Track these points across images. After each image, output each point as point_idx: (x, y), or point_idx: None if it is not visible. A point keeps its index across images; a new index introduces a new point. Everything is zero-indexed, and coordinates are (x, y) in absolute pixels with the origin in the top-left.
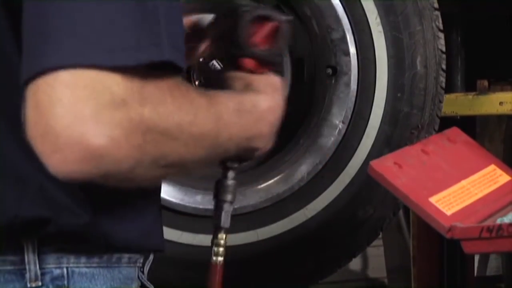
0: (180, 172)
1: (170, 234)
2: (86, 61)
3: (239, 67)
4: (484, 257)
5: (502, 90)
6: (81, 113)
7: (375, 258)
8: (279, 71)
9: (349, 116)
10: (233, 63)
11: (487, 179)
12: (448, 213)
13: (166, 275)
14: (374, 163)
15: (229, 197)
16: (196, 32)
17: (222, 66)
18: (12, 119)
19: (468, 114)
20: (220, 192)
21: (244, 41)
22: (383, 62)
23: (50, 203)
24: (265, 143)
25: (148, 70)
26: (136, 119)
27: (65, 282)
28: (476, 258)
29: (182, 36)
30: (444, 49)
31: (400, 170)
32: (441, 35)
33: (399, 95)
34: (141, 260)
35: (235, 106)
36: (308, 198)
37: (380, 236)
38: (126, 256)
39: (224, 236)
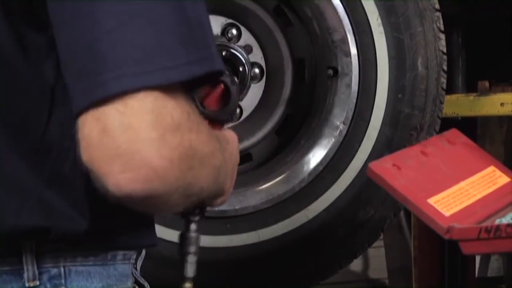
0: (188, 206)
1: (172, 235)
2: (145, 83)
3: None
4: (485, 258)
5: (503, 91)
6: (149, 137)
7: (376, 259)
8: (230, 128)
9: (350, 117)
10: None
11: (486, 180)
12: (447, 214)
13: (167, 275)
14: (373, 165)
15: (192, 249)
16: None
17: None
18: (13, 129)
19: (469, 115)
20: (184, 244)
21: (197, 104)
22: (384, 63)
23: (50, 212)
24: (230, 184)
25: (188, 90)
26: (187, 144)
27: (63, 281)
28: (477, 259)
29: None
30: (445, 50)
31: (399, 172)
32: (442, 36)
33: (400, 96)
34: (134, 257)
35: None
36: (309, 199)
37: (381, 237)
38: (120, 253)
39: (190, 285)
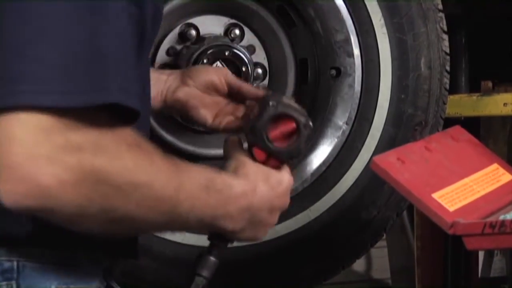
0: (133, 231)
1: (174, 235)
2: (38, 103)
3: (250, 153)
4: (488, 258)
5: (506, 91)
6: (36, 153)
7: (379, 259)
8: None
9: (353, 118)
10: (248, 146)
11: (490, 177)
12: (451, 209)
13: (170, 275)
14: (377, 159)
15: (204, 272)
16: (233, 95)
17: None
18: None
19: (472, 115)
20: (197, 265)
21: (262, 134)
22: (387, 64)
23: None
24: (235, 226)
25: (109, 121)
26: (87, 168)
27: (14, 275)
28: (480, 259)
29: (135, 75)
30: (448, 50)
31: (403, 166)
32: (445, 36)
33: (403, 96)
34: (107, 261)
35: (204, 181)
36: (312, 199)
37: (384, 237)
38: (83, 255)
39: None
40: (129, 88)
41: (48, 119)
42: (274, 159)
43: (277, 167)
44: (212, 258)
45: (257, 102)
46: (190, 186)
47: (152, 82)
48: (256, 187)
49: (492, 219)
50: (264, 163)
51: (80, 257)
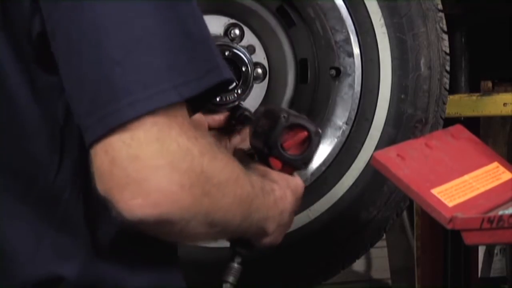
0: (218, 236)
1: None
2: (159, 104)
3: (266, 164)
4: (488, 258)
5: (506, 91)
6: (156, 164)
7: (378, 259)
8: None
9: (353, 118)
10: (261, 158)
11: (490, 175)
12: (450, 204)
13: None
14: (378, 154)
15: (230, 278)
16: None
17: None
18: (24, 176)
19: (472, 115)
20: (224, 273)
21: (277, 144)
22: (387, 64)
23: (62, 256)
24: (273, 228)
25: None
26: (198, 169)
27: None
28: (480, 259)
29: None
30: (448, 50)
31: (403, 162)
32: (445, 36)
33: (402, 96)
34: None
35: (260, 183)
36: (312, 200)
37: (384, 237)
38: None
39: None
40: (224, 62)
41: (159, 129)
42: (289, 167)
43: (291, 174)
44: (236, 265)
45: (265, 116)
46: (256, 186)
47: None
48: (285, 192)
49: (490, 214)
50: (279, 171)
51: None
